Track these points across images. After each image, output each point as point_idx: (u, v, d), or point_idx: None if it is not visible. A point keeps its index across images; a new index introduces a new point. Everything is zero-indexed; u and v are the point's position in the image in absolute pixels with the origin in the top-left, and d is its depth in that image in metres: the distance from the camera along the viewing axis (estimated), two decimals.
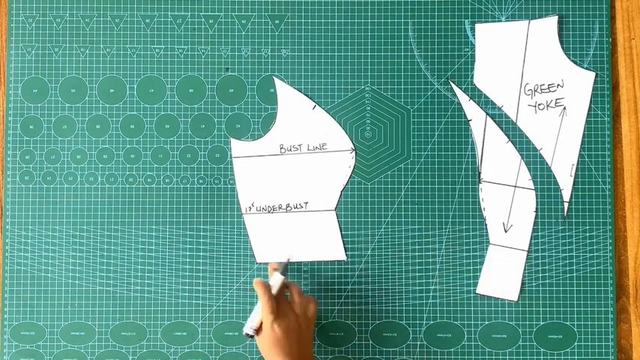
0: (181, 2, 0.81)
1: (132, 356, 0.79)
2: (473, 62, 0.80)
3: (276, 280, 0.73)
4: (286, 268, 0.75)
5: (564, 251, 0.79)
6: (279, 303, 0.71)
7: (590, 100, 0.80)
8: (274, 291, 0.72)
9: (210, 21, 0.81)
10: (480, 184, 0.79)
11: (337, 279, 0.79)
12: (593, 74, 0.80)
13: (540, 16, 0.80)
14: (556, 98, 0.80)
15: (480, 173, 0.80)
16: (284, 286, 0.74)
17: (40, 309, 0.79)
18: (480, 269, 0.79)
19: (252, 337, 0.72)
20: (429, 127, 0.80)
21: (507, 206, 0.79)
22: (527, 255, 0.79)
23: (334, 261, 0.79)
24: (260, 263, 0.79)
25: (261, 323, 0.71)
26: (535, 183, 0.79)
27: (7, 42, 0.80)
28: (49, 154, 0.80)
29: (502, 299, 0.79)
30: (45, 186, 0.79)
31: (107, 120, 0.80)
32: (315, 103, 0.80)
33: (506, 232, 0.79)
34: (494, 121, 0.80)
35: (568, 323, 0.79)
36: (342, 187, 0.80)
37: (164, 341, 0.79)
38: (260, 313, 0.71)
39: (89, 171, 0.80)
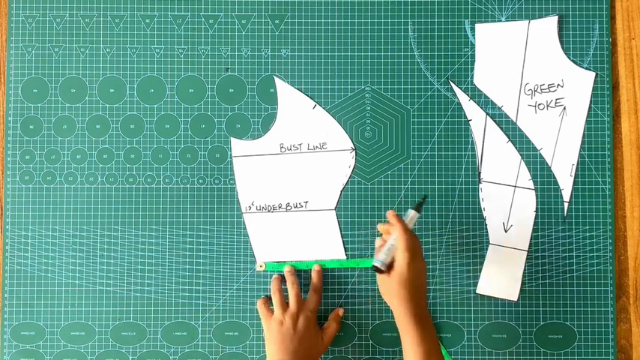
0: (181, 2, 0.81)
1: (132, 356, 0.79)
2: (473, 62, 0.80)
3: (411, 216, 0.69)
4: (421, 206, 0.68)
5: (564, 251, 0.79)
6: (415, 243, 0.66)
7: (590, 100, 0.80)
8: (410, 226, 0.67)
9: (210, 21, 0.81)
10: (480, 184, 0.79)
11: (337, 279, 0.79)
12: (593, 74, 0.80)
13: (540, 16, 0.80)
14: (556, 98, 0.80)
15: (480, 173, 0.80)
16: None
17: (40, 309, 0.79)
18: (480, 269, 0.79)
19: (379, 271, 0.66)
20: (429, 127, 0.80)
21: (507, 206, 0.79)
22: (527, 255, 0.79)
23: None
24: (261, 269, 0.79)
25: (393, 260, 0.67)
26: (535, 183, 0.79)
27: (7, 42, 0.80)
28: (49, 154, 0.80)
29: (502, 299, 0.79)
30: (45, 186, 0.79)
31: (107, 120, 0.80)
32: (315, 103, 0.80)
33: (506, 232, 0.79)
34: (495, 121, 0.80)
35: (568, 323, 0.79)
36: (342, 187, 0.80)
37: (164, 341, 0.79)
38: (393, 249, 0.66)
39: (89, 171, 0.80)
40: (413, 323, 0.65)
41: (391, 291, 0.66)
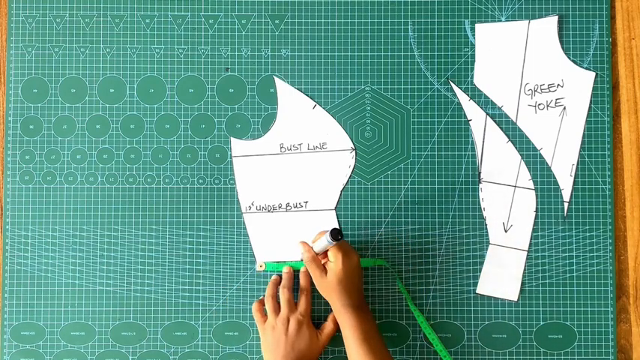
0: (181, 2, 0.81)
1: (132, 356, 0.79)
2: (473, 62, 0.80)
3: (324, 245, 0.72)
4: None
5: (564, 251, 0.79)
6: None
7: (590, 100, 0.80)
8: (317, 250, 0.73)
9: (210, 21, 0.81)
10: (480, 184, 0.80)
11: None
12: (593, 74, 0.80)
13: (540, 16, 0.80)
14: (556, 98, 0.80)
15: (479, 173, 0.80)
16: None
17: (40, 309, 0.79)
18: (480, 269, 0.79)
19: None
20: (429, 127, 0.80)
21: (507, 206, 0.79)
22: (527, 255, 0.79)
23: None
24: (261, 269, 0.79)
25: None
26: (535, 183, 0.79)
27: (7, 42, 0.80)
28: (49, 154, 0.80)
29: (502, 299, 0.79)
30: (45, 186, 0.79)
31: (107, 120, 0.80)
32: (315, 103, 0.80)
33: (506, 232, 0.79)
34: (495, 121, 0.80)
35: (568, 323, 0.79)
36: (342, 187, 0.80)
37: (164, 341, 0.79)
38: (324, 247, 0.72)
39: (89, 171, 0.80)
40: (349, 312, 0.71)
41: (329, 288, 0.72)
